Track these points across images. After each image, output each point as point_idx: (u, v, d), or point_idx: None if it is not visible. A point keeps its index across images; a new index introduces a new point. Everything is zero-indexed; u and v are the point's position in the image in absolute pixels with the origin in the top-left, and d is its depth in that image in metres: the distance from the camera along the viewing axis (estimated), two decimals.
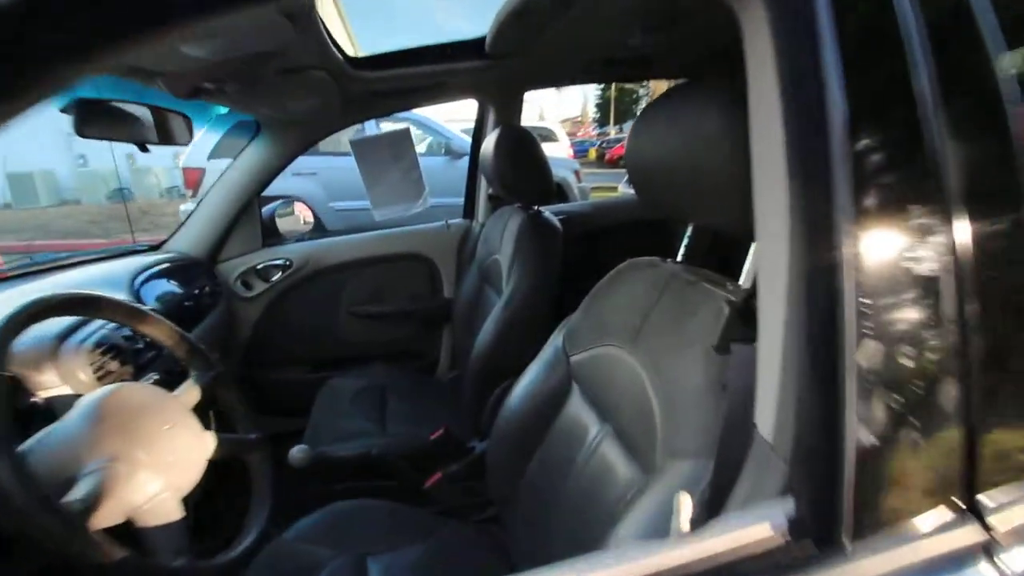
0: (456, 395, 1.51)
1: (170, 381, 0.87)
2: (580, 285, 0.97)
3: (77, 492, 0.57)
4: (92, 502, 0.57)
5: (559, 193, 5.20)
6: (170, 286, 1.40)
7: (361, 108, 1.53)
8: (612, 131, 28.56)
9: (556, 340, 0.97)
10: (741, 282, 0.69)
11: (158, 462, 0.64)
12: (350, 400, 1.48)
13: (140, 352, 0.92)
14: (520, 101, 1.70)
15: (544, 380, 0.96)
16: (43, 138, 8.58)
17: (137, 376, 0.90)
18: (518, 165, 1.33)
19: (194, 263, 1.56)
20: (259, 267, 1.69)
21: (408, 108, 1.68)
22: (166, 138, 1.00)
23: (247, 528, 0.76)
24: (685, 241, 0.83)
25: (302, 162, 4.44)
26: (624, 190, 7.23)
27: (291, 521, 1.28)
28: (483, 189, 1.83)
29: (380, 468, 1.24)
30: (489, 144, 1.36)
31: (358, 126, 2.28)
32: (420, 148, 5.16)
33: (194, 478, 0.70)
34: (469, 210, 1.91)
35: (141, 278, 1.24)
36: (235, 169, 1.56)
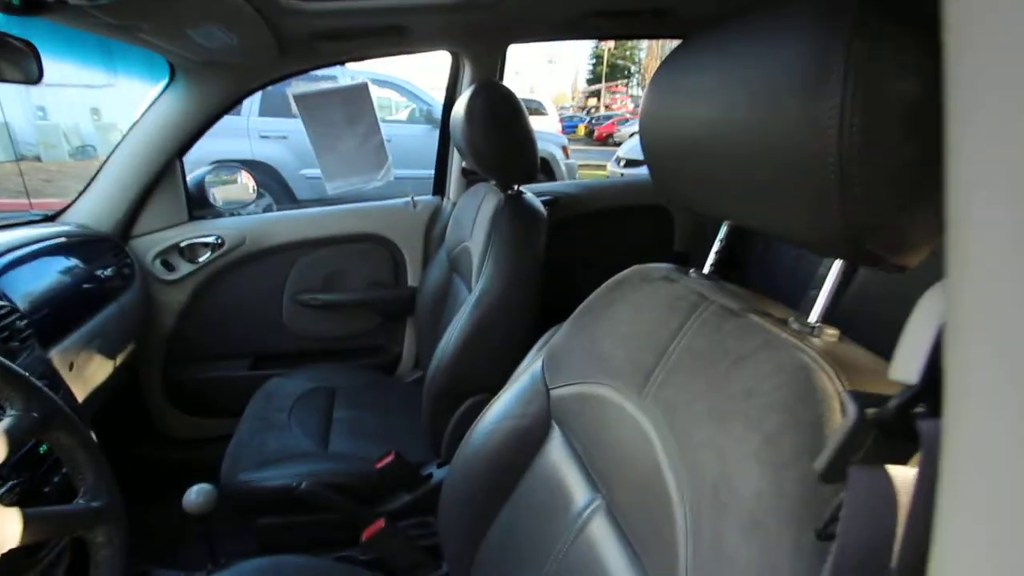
0: (419, 400, 1.28)
1: None
2: (567, 282, 0.74)
3: None
4: None
5: (544, 169, 4.92)
6: (61, 265, 1.12)
7: (304, 54, 1.24)
8: (602, 107, 28.03)
9: (534, 364, 0.74)
10: (814, 318, 0.46)
11: None
12: (290, 408, 1.24)
13: None
14: (502, 56, 1.43)
15: (517, 415, 0.73)
16: None
17: None
18: (496, 134, 1.07)
19: (98, 238, 1.27)
20: (183, 245, 1.41)
21: (363, 57, 1.39)
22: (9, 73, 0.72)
23: None
24: (716, 245, 0.59)
25: (271, 124, 4.17)
26: (613, 170, 6.97)
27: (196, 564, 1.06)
28: (456, 161, 1.56)
29: (311, 503, 1.01)
30: (461, 105, 1.10)
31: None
32: (402, 116, 4.83)
33: None
34: (439, 186, 1.64)
35: (2, 261, 0.96)
36: (145, 124, 1.26)
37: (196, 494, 0.89)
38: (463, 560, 0.75)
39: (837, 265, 0.45)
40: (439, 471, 1.10)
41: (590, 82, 33.63)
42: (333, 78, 2.65)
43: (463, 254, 1.23)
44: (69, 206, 1.30)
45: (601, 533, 0.56)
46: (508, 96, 1.09)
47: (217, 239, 1.43)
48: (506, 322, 1.05)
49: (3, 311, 0.82)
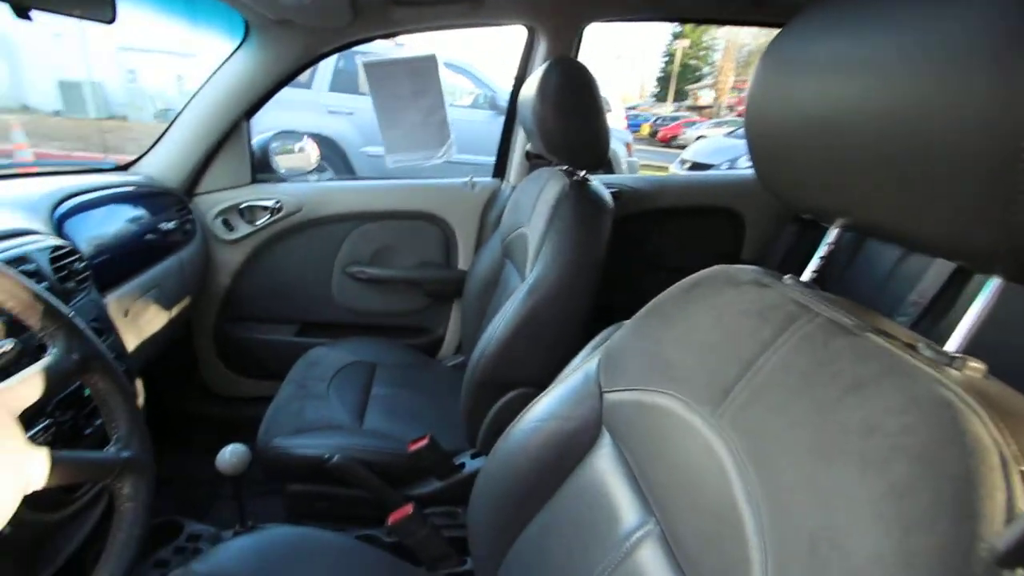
0: (458, 386, 1.25)
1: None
2: (622, 280, 0.66)
3: None
4: None
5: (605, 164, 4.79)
6: (126, 214, 1.14)
7: (376, 19, 1.21)
8: (669, 109, 27.19)
9: (589, 362, 0.67)
10: (953, 349, 0.37)
11: None
12: (330, 378, 1.22)
13: None
14: (580, 34, 1.35)
15: (564, 415, 0.66)
16: (93, 47, 8.52)
17: None
18: (568, 113, 1.00)
19: (164, 192, 1.29)
20: (243, 206, 1.42)
21: (436, 27, 1.34)
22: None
23: None
24: (822, 249, 0.51)
25: (339, 100, 4.25)
26: (676, 172, 6.73)
27: (229, 524, 1.06)
28: (520, 143, 1.50)
29: (340, 477, 0.98)
30: (534, 82, 1.03)
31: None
32: (466, 101, 4.80)
33: None
34: (500, 168, 1.58)
35: (70, 204, 0.98)
36: (216, 83, 1.27)
37: (230, 454, 0.88)
38: (491, 560, 0.70)
39: (993, 285, 0.36)
40: (472, 462, 1.06)
41: (660, 81, 32.65)
42: None
43: (518, 240, 1.17)
44: (140, 158, 1.33)
45: (653, 564, 0.49)
46: (585, 74, 1.01)
47: (276, 203, 1.43)
48: (559, 315, 0.98)
49: (62, 251, 0.82)
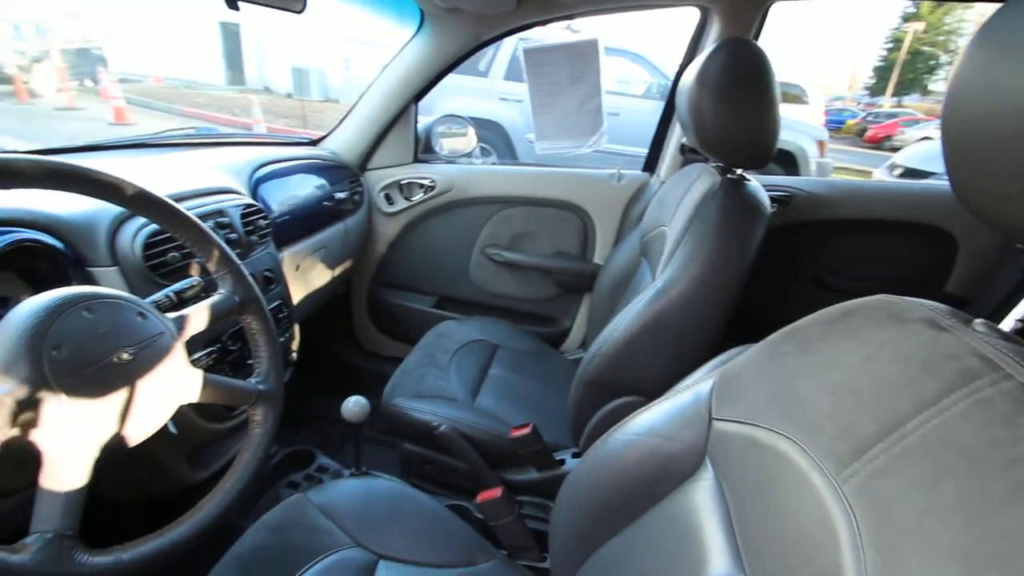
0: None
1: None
2: (775, 298, 0.56)
3: None
4: None
5: (787, 163, 4.24)
6: (310, 182, 1.33)
7: (542, 3, 1.20)
8: (886, 104, 23.02)
9: (702, 383, 0.59)
10: None
11: (86, 407, 0.49)
12: (453, 351, 1.29)
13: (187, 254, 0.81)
14: (762, 15, 1.19)
15: (666, 435, 0.60)
16: (320, 39, 10.11)
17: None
18: (728, 101, 0.88)
19: (342, 166, 1.47)
20: (403, 183, 1.55)
21: (603, 11, 1.29)
22: None
23: (198, 508, 0.59)
24: None
25: (511, 88, 4.42)
26: (881, 178, 5.69)
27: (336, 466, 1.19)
28: (675, 136, 1.39)
29: (444, 446, 1.03)
30: (695, 67, 0.93)
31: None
32: (638, 90, 4.63)
33: (148, 426, 0.54)
34: (651, 161, 1.49)
35: (265, 171, 1.16)
36: (393, 68, 1.39)
37: (353, 404, 0.98)
38: (567, 565, 0.67)
39: None
40: (572, 461, 1.03)
41: (879, 71, 27.68)
42: None
43: (657, 239, 1.09)
44: (327, 135, 1.52)
45: None
46: (757, 58, 0.88)
47: (431, 182, 1.54)
48: (685, 324, 0.89)
49: (252, 209, 0.98)
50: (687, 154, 1.35)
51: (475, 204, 1.55)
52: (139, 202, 0.61)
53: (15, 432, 0.45)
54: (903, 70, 24.72)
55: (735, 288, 0.88)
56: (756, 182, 0.98)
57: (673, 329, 0.89)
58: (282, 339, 1.03)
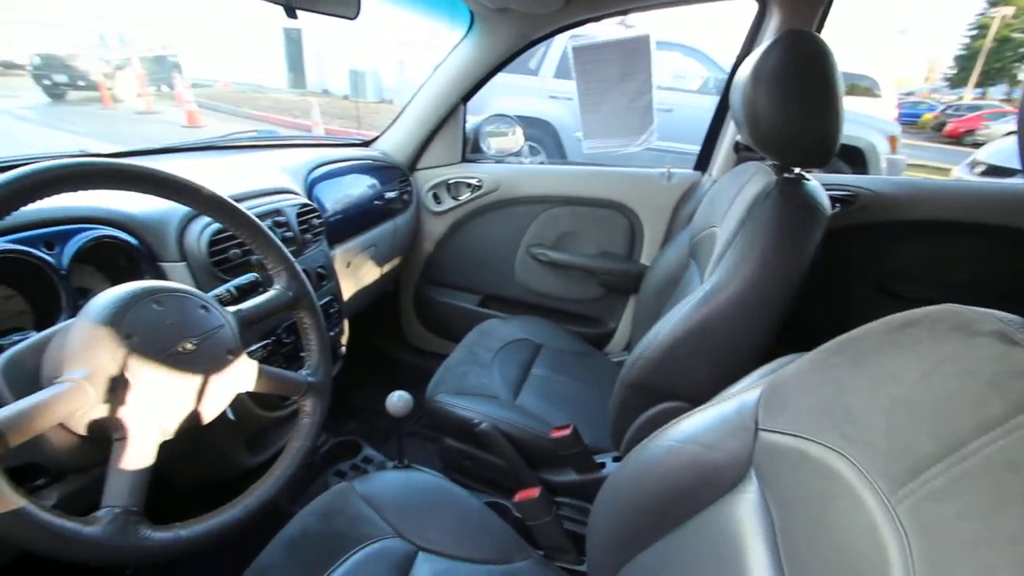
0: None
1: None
2: (843, 305, 0.52)
3: (2, 411, 0.43)
4: (7, 431, 0.42)
5: (854, 161, 3.99)
6: (363, 182, 1.37)
7: (589, 1, 1.19)
8: (967, 96, 21.26)
9: (749, 392, 0.57)
10: None
11: (153, 393, 0.52)
12: (496, 350, 1.30)
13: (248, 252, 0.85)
14: (827, 6, 1.12)
15: (709, 443, 0.58)
16: (375, 42, 10.43)
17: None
18: (786, 97, 0.84)
19: (393, 166, 1.51)
20: (451, 182, 1.58)
21: (654, 5, 1.26)
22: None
23: (249, 492, 0.63)
24: None
25: (561, 85, 4.40)
26: (961, 176, 5.27)
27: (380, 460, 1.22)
28: (729, 133, 1.34)
29: (484, 443, 1.04)
30: (751, 61, 0.89)
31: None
32: (694, 85, 4.49)
33: (208, 412, 0.58)
34: (704, 159, 1.44)
35: (321, 171, 1.21)
36: (444, 70, 1.41)
37: (397, 398, 1.01)
38: (604, 570, 0.66)
39: None
40: (612, 464, 1.02)
41: (960, 60, 25.54)
42: None
43: (707, 240, 1.05)
44: (379, 136, 1.57)
45: None
46: (819, 52, 0.83)
47: (478, 182, 1.55)
48: (733, 330, 0.86)
49: (307, 209, 1.03)
50: (741, 152, 1.30)
51: (521, 203, 1.56)
52: (207, 204, 0.65)
53: (103, 411, 0.49)
54: (988, 59, 22.70)
55: (788, 293, 0.84)
56: (815, 182, 0.93)
57: (721, 334, 0.86)
58: (332, 333, 1.07)
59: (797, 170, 0.92)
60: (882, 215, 1.27)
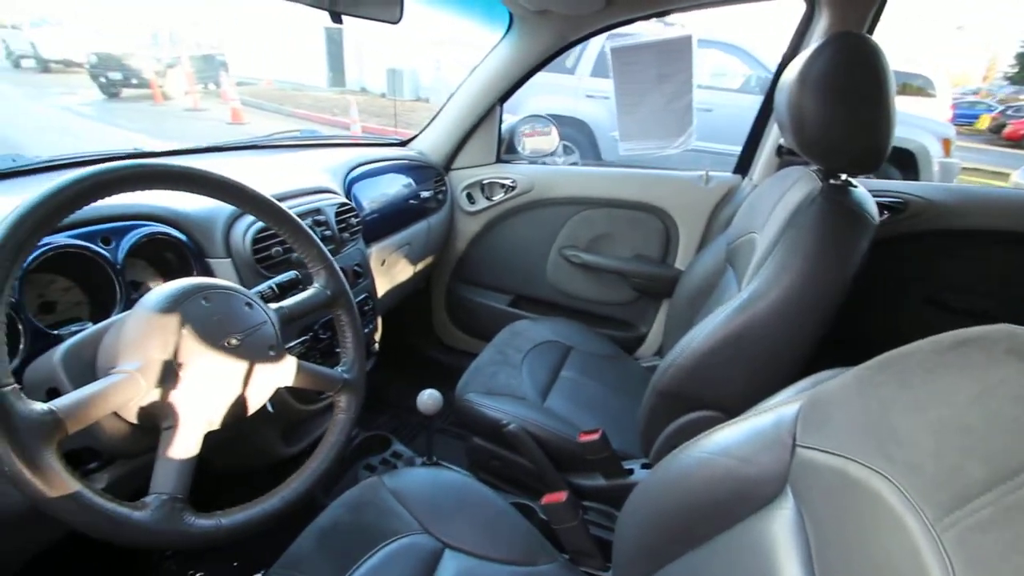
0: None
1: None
2: (890, 316, 0.50)
3: (62, 400, 0.45)
4: (65, 418, 0.44)
5: (905, 165, 3.81)
6: (399, 181, 1.40)
7: (632, 1, 1.18)
8: None
9: (787, 406, 0.55)
10: None
11: (200, 386, 0.55)
12: (527, 351, 1.30)
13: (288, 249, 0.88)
14: (877, 7, 1.08)
15: (743, 457, 0.57)
16: (412, 41, 10.58)
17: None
18: (833, 101, 0.81)
19: (429, 166, 1.53)
20: (485, 182, 1.59)
21: (695, 5, 1.24)
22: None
23: (286, 484, 0.65)
24: None
25: (598, 84, 4.35)
26: (1021, 181, 4.97)
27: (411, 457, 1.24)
28: (772, 136, 1.30)
29: (512, 444, 1.05)
30: (798, 63, 0.87)
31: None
32: (735, 84, 4.37)
33: (251, 405, 0.60)
34: (744, 162, 1.41)
35: (359, 171, 1.24)
36: (482, 70, 1.42)
37: (427, 396, 1.02)
38: None
39: None
40: (641, 472, 1.00)
41: (1022, 58, 24.05)
42: None
43: (746, 246, 1.03)
44: (416, 135, 1.59)
45: None
46: (871, 55, 0.80)
47: (512, 182, 1.56)
48: (771, 340, 0.83)
49: (345, 208, 1.05)
50: (784, 156, 1.26)
51: (555, 205, 1.55)
52: (251, 203, 0.67)
53: (155, 397, 0.52)
54: None
55: (830, 304, 0.81)
56: (862, 188, 0.89)
57: (758, 344, 0.84)
58: (366, 330, 1.09)
59: (844, 176, 0.89)
60: (933, 224, 1.21)
